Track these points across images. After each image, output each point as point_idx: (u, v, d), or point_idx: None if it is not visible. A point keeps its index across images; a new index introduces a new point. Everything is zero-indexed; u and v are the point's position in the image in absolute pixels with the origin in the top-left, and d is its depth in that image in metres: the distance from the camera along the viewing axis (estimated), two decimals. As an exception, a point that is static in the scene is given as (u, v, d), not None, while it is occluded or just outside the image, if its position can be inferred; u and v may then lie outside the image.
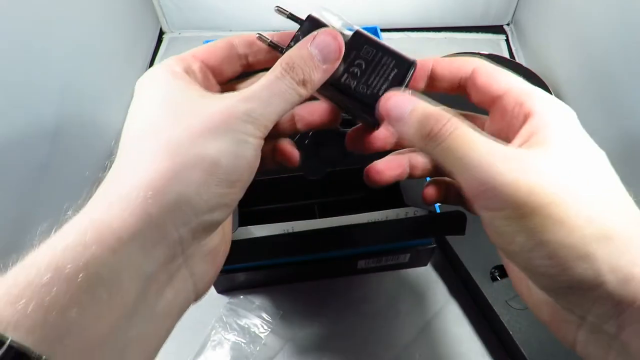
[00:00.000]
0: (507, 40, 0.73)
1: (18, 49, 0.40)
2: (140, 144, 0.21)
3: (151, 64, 0.69)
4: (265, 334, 0.44)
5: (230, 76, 0.27)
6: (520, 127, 0.22)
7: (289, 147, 0.27)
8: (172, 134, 0.20)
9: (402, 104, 0.23)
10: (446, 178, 0.29)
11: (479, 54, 0.63)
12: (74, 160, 0.49)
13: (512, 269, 0.27)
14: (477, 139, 0.21)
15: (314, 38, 0.23)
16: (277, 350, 0.43)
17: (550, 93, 0.56)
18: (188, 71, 0.24)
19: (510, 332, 0.40)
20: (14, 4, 0.39)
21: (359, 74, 0.25)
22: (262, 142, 0.23)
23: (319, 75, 0.23)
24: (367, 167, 0.28)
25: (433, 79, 0.26)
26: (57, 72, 0.46)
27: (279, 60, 0.23)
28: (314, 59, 0.23)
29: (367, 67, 0.25)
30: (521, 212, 0.19)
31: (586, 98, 0.54)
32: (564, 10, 0.59)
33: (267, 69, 0.23)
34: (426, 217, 0.37)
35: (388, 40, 0.69)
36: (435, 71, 0.26)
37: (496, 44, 0.73)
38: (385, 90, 0.25)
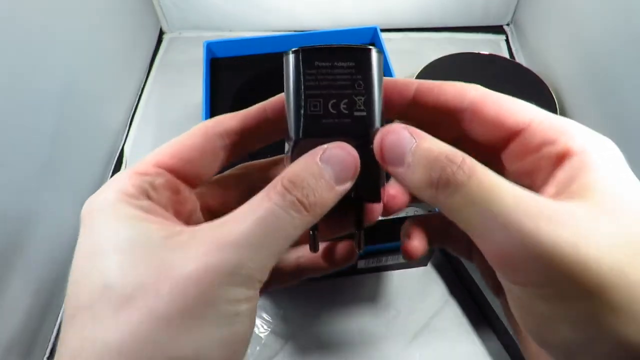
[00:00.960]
0: (507, 41, 0.73)
1: (18, 49, 0.40)
2: (90, 330, 0.15)
3: (151, 64, 0.69)
4: (265, 333, 0.44)
5: (212, 173, 0.21)
6: (553, 170, 0.18)
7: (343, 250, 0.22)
8: (130, 322, 0.14)
9: (400, 142, 0.18)
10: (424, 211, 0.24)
11: (479, 54, 0.63)
12: (74, 160, 0.49)
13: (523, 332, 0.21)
14: (504, 186, 0.16)
15: (324, 151, 0.18)
16: (277, 350, 0.43)
17: (550, 93, 0.56)
18: (148, 192, 0.18)
19: (510, 332, 0.40)
20: (14, 4, 0.39)
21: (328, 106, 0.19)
22: (258, 298, 0.17)
23: (330, 198, 0.18)
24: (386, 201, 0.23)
25: (416, 106, 0.21)
26: (58, 72, 0.46)
27: (278, 177, 0.17)
28: (325, 177, 0.18)
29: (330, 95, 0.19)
30: (569, 293, 0.14)
31: (586, 98, 0.54)
32: (563, 10, 0.59)
33: (263, 152, 0.19)
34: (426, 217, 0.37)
35: (388, 40, 0.69)
36: (420, 97, 0.21)
37: (496, 44, 0.73)
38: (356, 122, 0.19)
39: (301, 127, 0.19)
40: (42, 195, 0.43)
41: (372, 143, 0.19)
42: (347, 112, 0.19)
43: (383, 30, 0.62)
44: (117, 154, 0.58)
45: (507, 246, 0.15)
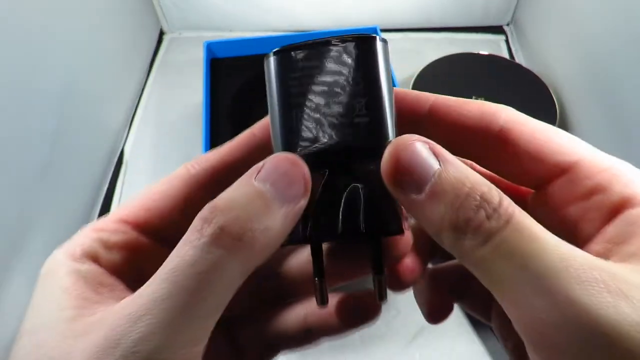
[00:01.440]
0: (506, 41, 0.73)
1: (18, 49, 0.40)
2: None
3: (151, 64, 0.69)
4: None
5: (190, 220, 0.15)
6: (602, 224, 0.15)
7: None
8: None
9: (420, 162, 0.14)
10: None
11: (478, 54, 0.63)
12: (74, 160, 0.49)
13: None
14: (549, 241, 0.13)
15: (259, 169, 0.14)
16: (277, 350, 0.43)
17: (550, 93, 0.56)
18: (97, 253, 0.15)
19: (510, 332, 0.40)
20: (14, 4, 0.39)
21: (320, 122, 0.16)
22: None
23: (277, 223, 0.14)
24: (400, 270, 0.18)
25: (429, 127, 0.17)
26: (58, 72, 0.46)
27: (199, 213, 0.13)
28: (266, 196, 0.14)
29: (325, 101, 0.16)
30: None
31: (586, 98, 0.54)
32: (563, 10, 0.59)
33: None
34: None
35: (388, 40, 0.68)
36: (435, 116, 0.17)
37: (496, 44, 0.73)
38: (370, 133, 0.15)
39: (284, 145, 0.16)
40: (42, 195, 0.43)
41: (380, 158, 0.15)
42: (344, 119, 0.15)
43: (383, 30, 0.62)
44: (117, 154, 0.58)
45: (548, 317, 0.12)
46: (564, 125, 0.57)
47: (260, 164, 0.15)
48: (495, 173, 0.17)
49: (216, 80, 0.56)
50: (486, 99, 0.56)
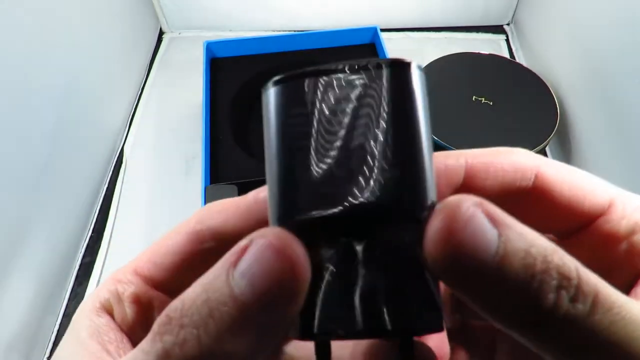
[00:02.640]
0: (507, 40, 0.73)
1: (19, 50, 0.40)
2: None
3: (151, 64, 0.69)
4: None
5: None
6: None
7: None
8: None
9: (479, 234, 0.10)
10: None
11: (479, 54, 0.63)
12: (74, 159, 0.49)
13: None
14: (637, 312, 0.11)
15: (239, 255, 0.11)
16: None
17: (551, 93, 0.56)
18: (111, 305, 0.15)
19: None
20: (15, 4, 0.39)
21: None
22: None
23: (244, 346, 0.11)
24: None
25: (470, 188, 0.14)
26: (58, 72, 0.46)
27: (160, 315, 0.12)
28: (238, 299, 0.11)
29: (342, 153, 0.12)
30: None
31: (586, 98, 0.54)
32: (564, 10, 0.59)
33: None
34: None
35: (388, 40, 0.69)
36: (474, 179, 0.14)
37: (496, 44, 0.73)
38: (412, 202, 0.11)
39: (281, 208, 0.12)
40: (41, 195, 0.43)
41: (420, 228, 0.11)
42: (368, 172, 0.11)
43: (383, 30, 0.62)
44: (117, 154, 0.58)
45: None
46: (564, 124, 0.57)
47: (245, 242, 0.11)
48: (523, 222, 0.16)
49: (216, 80, 0.56)
50: (486, 99, 0.56)
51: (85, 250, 0.50)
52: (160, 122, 0.62)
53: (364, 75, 0.12)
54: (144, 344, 0.11)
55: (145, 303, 0.15)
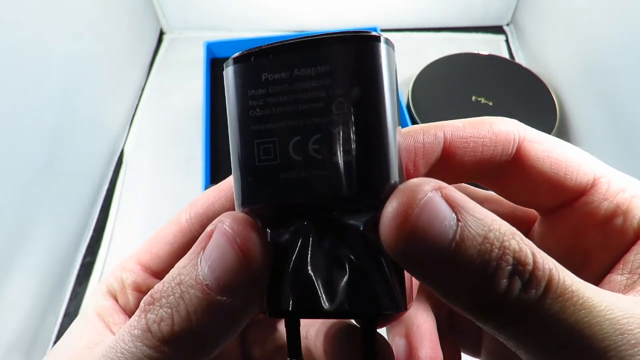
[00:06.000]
0: (506, 41, 0.73)
1: (19, 50, 0.40)
2: None
3: (151, 64, 0.69)
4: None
5: None
6: (625, 250, 0.13)
7: None
8: None
9: (437, 217, 0.10)
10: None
11: (478, 54, 0.63)
12: (74, 159, 0.49)
13: None
14: (596, 304, 0.10)
15: (206, 241, 0.12)
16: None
17: (550, 93, 0.56)
18: (116, 291, 0.17)
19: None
20: (15, 5, 0.39)
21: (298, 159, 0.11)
22: None
23: (212, 327, 0.12)
24: None
25: (448, 164, 0.14)
26: (58, 72, 0.46)
27: (145, 297, 0.13)
28: (201, 283, 0.12)
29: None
30: None
31: (586, 98, 0.54)
32: (563, 10, 0.59)
33: None
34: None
35: (388, 40, 0.69)
36: (453, 154, 0.14)
37: (496, 44, 0.73)
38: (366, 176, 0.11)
39: (243, 193, 0.12)
40: (42, 195, 0.43)
41: (376, 211, 0.11)
42: (329, 155, 0.11)
43: (383, 30, 0.62)
44: (117, 154, 0.58)
45: None
46: (564, 125, 0.57)
47: (211, 227, 0.12)
48: (504, 195, 0.15)
49: (216, 80, 0.56)
50: (486, 99, 0.56)
51: (86, 250, 0.50)
52: (160, 122, 0.62)
53: (327, 51, 0.11)
54: (133, 319, 0.12)
55: (145, 290, 0.16)
